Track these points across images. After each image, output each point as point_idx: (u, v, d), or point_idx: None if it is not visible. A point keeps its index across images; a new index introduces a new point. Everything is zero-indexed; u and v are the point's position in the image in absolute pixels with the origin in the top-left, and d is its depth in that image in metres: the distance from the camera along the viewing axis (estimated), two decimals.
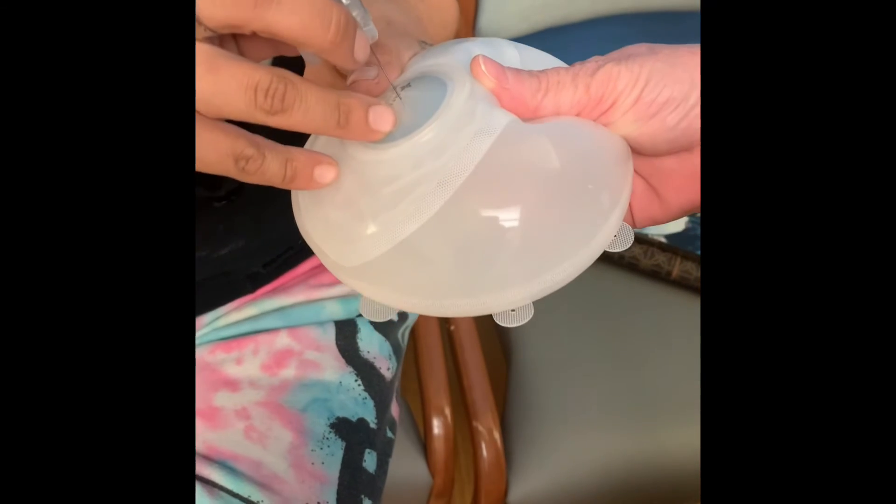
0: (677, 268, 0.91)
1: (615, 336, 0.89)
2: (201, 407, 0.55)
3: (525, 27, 1.01)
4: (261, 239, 0.59)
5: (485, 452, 0.80)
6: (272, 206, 0.57)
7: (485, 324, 0.96)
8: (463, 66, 0.35)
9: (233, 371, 0.57)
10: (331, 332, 0.59)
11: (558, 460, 0.80)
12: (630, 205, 0.37)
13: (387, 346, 0.62)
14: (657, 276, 0.92)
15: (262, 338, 0.58)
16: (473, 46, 0.37)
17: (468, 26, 0.99)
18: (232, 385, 0.56)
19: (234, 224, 0.58)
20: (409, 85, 0.36)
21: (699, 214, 0.96)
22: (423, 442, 0.81)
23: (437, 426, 0.80)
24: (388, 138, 0.33)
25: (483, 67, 0.34)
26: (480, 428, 0.81)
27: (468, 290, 0.34)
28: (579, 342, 0.88)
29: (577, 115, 0.34)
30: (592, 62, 0.34)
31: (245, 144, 0.31)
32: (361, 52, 0.33)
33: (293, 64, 0.38)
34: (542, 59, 0.38)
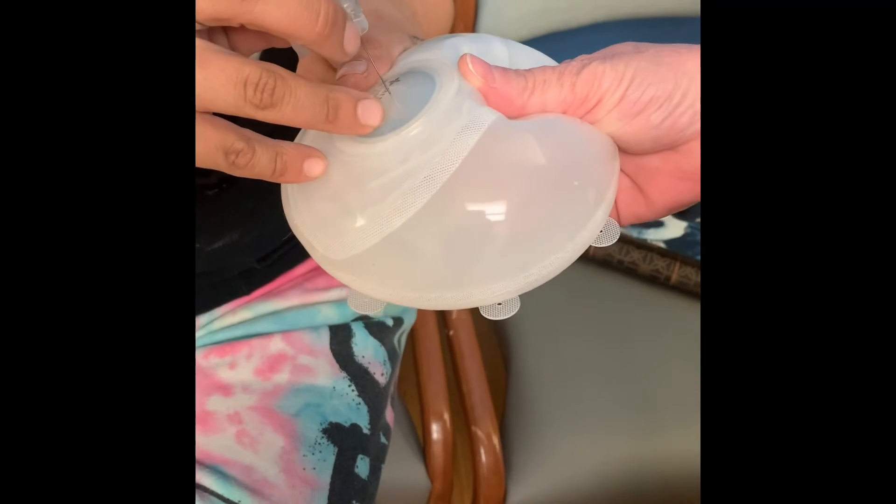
0: (676, 273, 0.91)
1: (614, 341, 0.89)
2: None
3: (524, 33, 1.01)
4: (255, 232, 0.59)
5: (483, 457, 0.80)
6: (266, 199, 0.57)
7: (484, 329, 0.96)
8: (451, 62, 0.35)
9: (226, 376, 0.56)
10: (325, 337, 0.59)
11: (557, 466, 0.80)
12: (616, 202, 0.37)
13: (382, 352, 0.62)
14: (656, 281, 0.92)
15: (256, 342, 0.58)
16: (463, 43, 0.37)
17: (467, 31, 0.99)
18: (225, 389, 0.56)
19: (228, 217, 0.58)
20: (397, 80, 0.36)
21: (699, 220, 0.96)
22: (422, 447, 0.81)
23: (435, 431, 0.80)
24: (376, 133, 0.34)
25: (471, 66, 0.34)
26: (479, 433, 0.81)
27: (455, 283, 0.34)
28: (578, 347, 0.88)
29: (564, 112, 0.35)
30: (578, 61, 0.35)
31: (235, 138, 0.31)
32: (351, 43, 0.33)
33: (285, 55, 0.38)
34: (530, 56, 0.38)
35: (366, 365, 0.60)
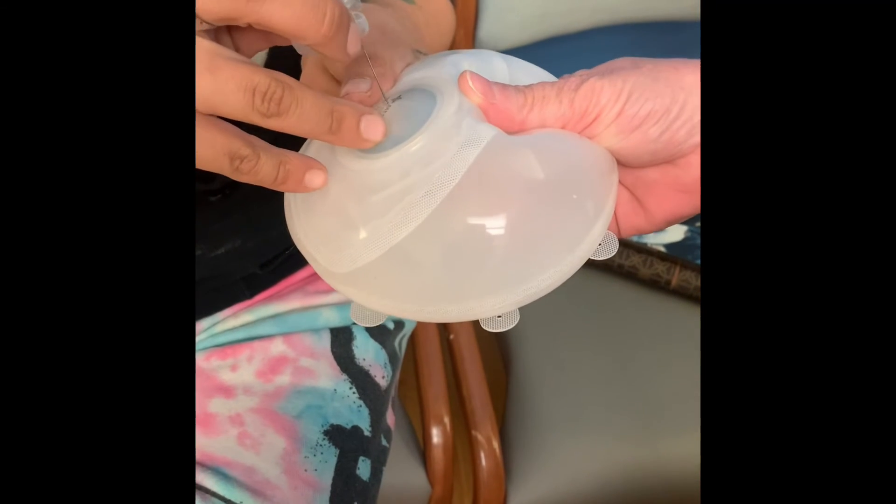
0: (676, 277, 0.91)
1: (614, 345, 0.89)
2: (196, 413, 0.55)
3: (525, 37, 1.01)
4: (258, 238, 0.59)
5: (484, 461, 0.80)
6: (269, 205, 0.57)
7: (484, 333, 0.95)
8: (452, 79, 0.36)
9: (227, 378, 0.57)
10: (326, 340, 0.60)
11: (557, 470, 0.80)
12: (615, 214, 0.38)
13: (383, 354, 0.63)
14: (656, 285, 0.92)
15: (257, 344, 0.58)
16: (463, 59, 0.38)
17: (468, 37, 0.99)
18: (227, 391, 0.56)
19: (231, 223, 0.58)
20: (399, 97, 0.37)
21: (699, 224, 0.97)
22: (423, 450, 0.81)
23: (436, 435, 0.80)
24: (377, 148, 0.34)
25: (471, 83, 0.34)
26: (479, 437, 0.81)
27: (455, 297, 0.34)
28: (578, 351, 0.88)
29: (562, 128, 0.35)
30: (577, 77, 0.35)
31: (241, 144, 0.32)
32: (354, 45, 0.33)
33: (290, 59, 0.38)
34: (530, 72, 0.38)
35: (367, 367, 0.61)
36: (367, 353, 0.61)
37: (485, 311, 0.35)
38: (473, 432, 0.81)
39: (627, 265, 0.92)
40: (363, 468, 0.57)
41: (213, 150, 0.31)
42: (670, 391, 0.84)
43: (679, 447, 0.81)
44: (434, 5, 0.56)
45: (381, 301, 0.36)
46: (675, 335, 0.89)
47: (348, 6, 0.34)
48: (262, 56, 0.53)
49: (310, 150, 0.38)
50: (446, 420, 0.81)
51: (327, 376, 0.58)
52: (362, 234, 0.34)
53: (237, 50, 0.35)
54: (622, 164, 0.37)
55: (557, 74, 0.38)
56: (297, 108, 0.31)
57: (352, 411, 0.58)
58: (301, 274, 0.63)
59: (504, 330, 0.35)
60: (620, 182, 0.37)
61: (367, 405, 0.59)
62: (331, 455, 0.55)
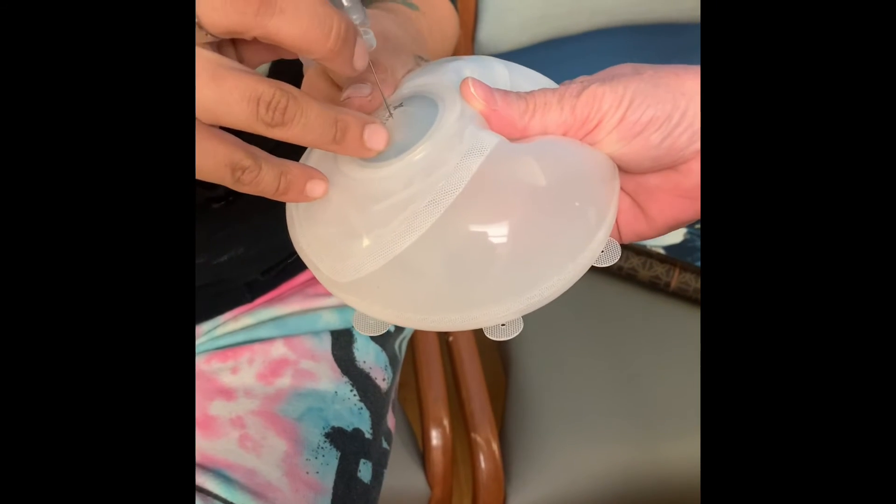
0: (676, 279, 0.91)
1: (614, 347, 0.89)
2: (196, 416, 0.55)
3: (524, 40, 1.01)
4: (260, 246, 0.59)
5: (483, 464, 0.80)
6: (271, 213, 0.57)
7: (483, 335, 0.95)
8: (454, 86, 0.35)
9: (228, 380, 0.57)
10: (327, 342, 0.60)
11: (556, 472, 0.80)
12: (616, 221, 0.38)
13: (383, 357, 0.63)
14: (656, 287, 0.92)
15: (257, 347, 0.58)
16: (465, 66, 0.38)
17: (468, 39, 0.99)
18: (227, 394, 0.56)
19: (234, 231, 0.58)
20: (401, 104, 0.36)
21: (698, 226, 0.97)
22: (422, 453, 0.81)
23: (435, 437, 0.80)
24: (380, 157, 0.34)
25: (473, 90, 0.34)
26: (479, 439, 0.81)
27: (459, 305, 0.34)
28: (578, 353, 0.88)
29: (564, 134, 0.35)
30: (578, 83, 0.35)
31: (243, 155, 0.32)
32: (360, 60, 0.33)
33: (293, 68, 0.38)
34: (531, 78, 0.38)
35: (367, 370, 0.61)
36: (368, 355, 0.61)
37: (488, 320, 0.35)
38: (473, 435, 0.81)
39: (627, 267, 0.92)
40: (364, 470, 0.57)
41: (214, 161, 0.31)
42: (670, 393, 0.84)
43: (678, 449, 0.81)
44: (438, 11, 0.56)
45: (384, 310, 0.35)
46: (675, 337, 0.89)
47: (357, 22, 0.34)
48: (264, 65, 0.53)
49: (311, 158, 0.38)
50: (446, 422, 0.81)
51: (328, 379, 0.58)
52: (365, 244, 0.34)
53: (241, 62, 0.35)
54: (623, 170, 0.37)
55: (557, 76, 0.38)
56: (302, 118, 0.31)
57: (353, 414, 0.58)
58: (302, 277, 0.63)
59: (507, 339, 0.35)
60: (622, 188, 0.37)
61: (368, 407, 0.60)
62: (332, 457, 0.55)
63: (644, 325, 0.91)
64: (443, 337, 0.92)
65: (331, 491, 0.54)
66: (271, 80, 0.31)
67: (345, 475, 0.55)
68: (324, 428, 0.56)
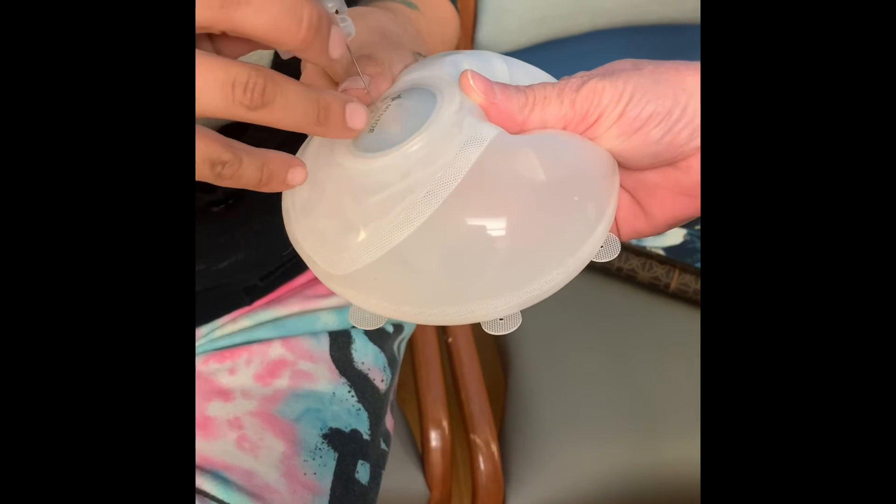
0: (675, 280, 0.91)
1: (614, 348, 0.89)
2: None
3: (524, 40, 1.01)
4: (260, 251, 0.59)
5: (482, 465, 0.80)
6: (272, 216, 0.57)
7: (483, 336, 0.96)
8: (452, 79, 0.35)
9: (226, 381, 0.57)
10: (325, 343, 0.60)
11: (556, 473, 0.80)
12: (616, 218, 0.37)
13: (381, 358, 0.62)
14: (655, 288, 0.92)
15: (255, 348, 0.58)
16: (463, 59, 0.37)
17: (467, 39, 0.99)
18: (225, 395, 0.56)
19: (234, 237, 0.58)
20: (399, 96, 0.36)
21: (698, 227, 0.97)
22: (421, 454, 0.81)
23: (434, 438, 0.80)
24: (377, 148, 0.34)
25: (472, 82, 0.34)
26: (478, 440, 0.81)
27: (456, 299, 0.34)
28: (577, 354, 0.88)
29: (564, 128, 0.35)
30: (577, 78, 0.35)
31: (222, 150, 0.30)
32: (336, 48, 0.32)
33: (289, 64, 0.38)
34: (530, 73, 0.38)
35: (365, 371, 0.61)
36: (366, 356, 0.61)
37: (486, 314, 0.34)
38: (472, 436, 0.81)
39: (626, 268, 0.92)
40: (362, 472, 0.57)
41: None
42: (669, 394, 0.84)
43: (678, 450, 0.81)
44: (439, 12, 0.56)
45: (380, 303, 0.35)
46: (674, 338, 0.89)
47: (332, 9, 0.33)
48: (268, 60, 0.52)
49: (308, 150, 0.37)
50: (445, 424, 0.81)
51: (326, 380, 0.58)
52: (362, 235, 0.33)
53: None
54: (623, 166, 0.36)
55: (557, 77, 0.38)
56: (283, 98, 0.30)
57: (351, 415, 0.58)
58: (300, 279, 0.63)
59: (506, 333, 0.34)
60: (621, 185, 0.37)
61: (366, 409, 0.59)
62: (330, 459, 0.55)
63: (644, 327, 0.91)
64: (442, 337, 0.92)
65: (328, 492, 0.54)
66: (246, 62, 0.30)
67: (342, 476, 0.55)
68: (321, 429, 0.56)
